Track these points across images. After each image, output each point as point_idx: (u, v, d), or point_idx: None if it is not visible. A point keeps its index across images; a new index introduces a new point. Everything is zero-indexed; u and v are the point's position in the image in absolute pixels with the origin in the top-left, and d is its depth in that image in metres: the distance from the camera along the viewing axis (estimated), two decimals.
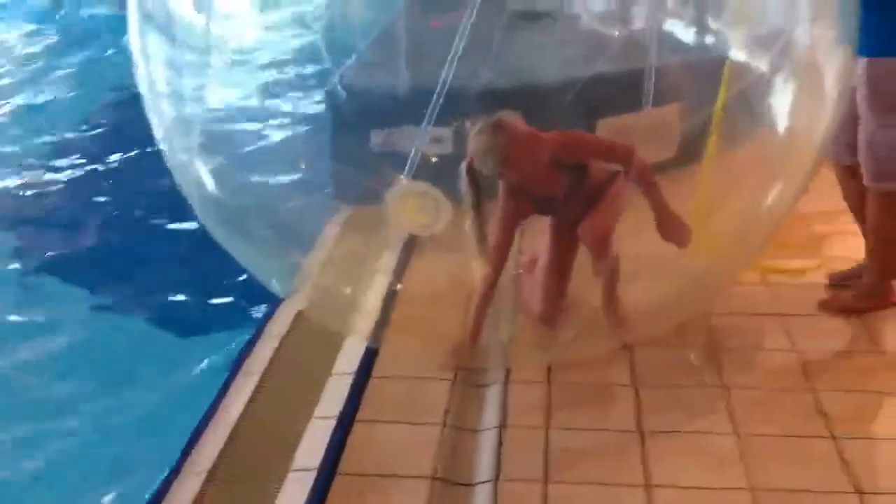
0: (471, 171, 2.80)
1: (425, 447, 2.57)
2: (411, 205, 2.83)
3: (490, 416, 2.74)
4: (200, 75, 3.20)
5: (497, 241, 2.91)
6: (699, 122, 3.12)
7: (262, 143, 3.47)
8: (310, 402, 2.81)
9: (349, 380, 2.90)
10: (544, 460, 2.53)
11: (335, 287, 3.32)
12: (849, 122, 3.05)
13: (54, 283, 4.59)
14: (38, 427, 3.41)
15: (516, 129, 2.79)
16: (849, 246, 3.60)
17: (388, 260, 3.42)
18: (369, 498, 2.42)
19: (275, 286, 3.30)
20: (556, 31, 4.14)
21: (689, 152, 3.11)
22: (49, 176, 5.98)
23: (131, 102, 3.43)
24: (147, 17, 3.02)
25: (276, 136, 3.56)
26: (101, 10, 10.00)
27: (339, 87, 3.68)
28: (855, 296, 3.27)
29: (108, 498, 3.00)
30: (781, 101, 3.00)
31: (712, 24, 3.87)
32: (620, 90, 3.34)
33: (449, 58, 2.81)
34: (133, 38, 3.01)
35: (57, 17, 10.31)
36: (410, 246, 3.47)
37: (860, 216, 3.30)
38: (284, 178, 3.38)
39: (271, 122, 3.58)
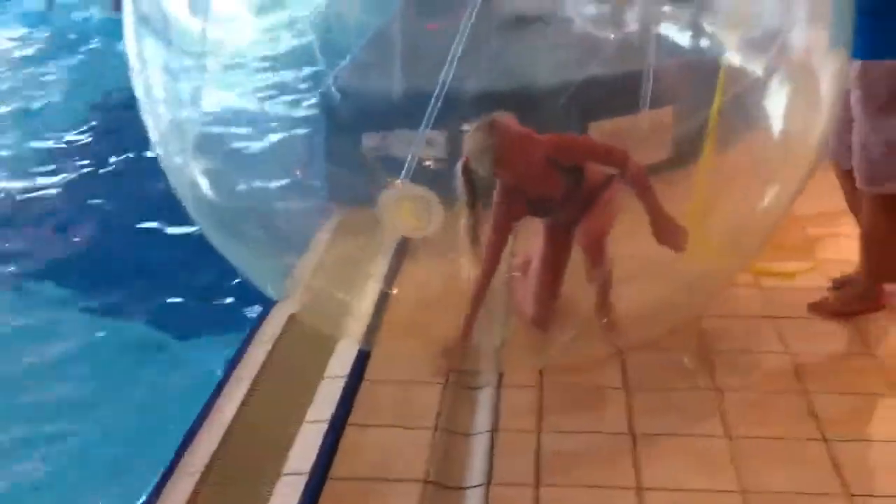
0: (466, 170, 2.81)
1: (417, 451, 2.57)
2: (404, 207, 2.83)
3: (482, 419, 2.74)
4: (196, 78, 3.20)
5: (490, 240, 2.91)
6: (691, 125, 3.13)
7: (256, 145, 3.47)
8: (302, 406, 2.81)
9: (341, 383, 2.90)
10: (536, 464, 2.53)
11: (328, 290, 3.31)
12: (848, 124, 3.06)
13: (51, 286, 4.60)
14: (38, 429, 3.42)
15: (510, 130, 2.79)
16: (842, 248, 3.61)
17: (382, 263, 3.43)
18: (361, 502, 2.41)
19: (269, 289, 3.30)
20: (548, 34, 4.15)
21: (682, 155, 3.12)
22: (45, 180, 5.97)
23: (126, 105, 3.44)
24: (142, 20, 3.02)
25: (271, 138, 3.56)
26: (94, 13, 10.00)
27: (332, 89, 3.68)
28: (847, 298, 3.28)
29: (107, 499, 3.00)
30: (777, 104, 3.00)
31: (707, 26, 3.88)
32: (613, 93, 3.35)
33: (448, 60, 2.81)
34: (128, 42, 3.01)
35: (50, 20, 10.30)
36: (403, 249, 3.47)
37: (861, 219, 3.30)
38: (278, 181, 3.38)
39: (266, 124, 3.58)
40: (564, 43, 4.06)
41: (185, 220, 3.21)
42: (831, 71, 2.83)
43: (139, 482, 2.68)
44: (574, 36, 4.12)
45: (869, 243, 3.22)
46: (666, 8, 3.73)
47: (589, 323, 2.97)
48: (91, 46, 9.05)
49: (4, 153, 6.50)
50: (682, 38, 3.92)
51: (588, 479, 2.47)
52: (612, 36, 4.10)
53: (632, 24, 4.03)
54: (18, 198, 5.73)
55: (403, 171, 2.79)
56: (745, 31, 3.15)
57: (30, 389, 3.70)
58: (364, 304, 3.21)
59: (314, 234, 3.56)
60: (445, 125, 2.90)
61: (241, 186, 3.23)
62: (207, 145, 3.15)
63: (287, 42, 3.75)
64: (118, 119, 6.52)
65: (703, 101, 3.04)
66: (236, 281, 3.69)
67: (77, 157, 6.32)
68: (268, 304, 3.46)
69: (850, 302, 3.26)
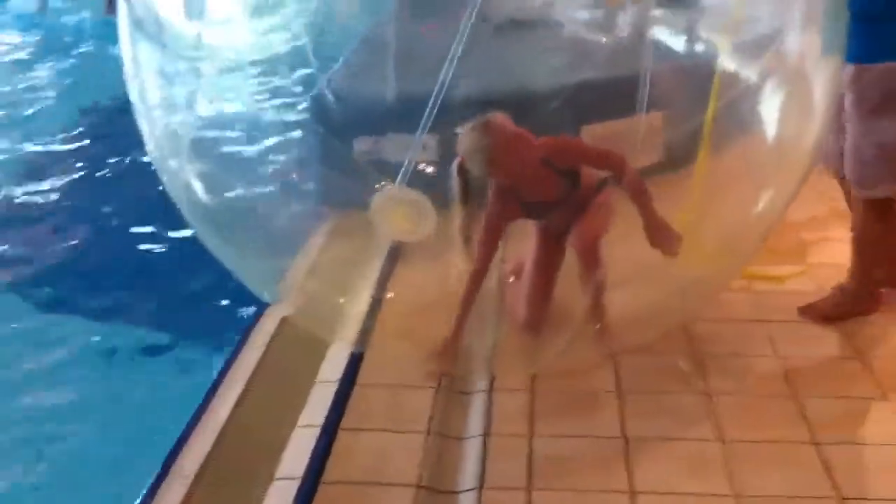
0: (461, 170, 2.81)
1: (410, 455, 2.57)
2: (397, 211, 2.84)
3: (474, 423, 2.74)
4: (190, 82, 3.20)
5: (482, 240, 2.90)
6: (682, 130, 3.14)
7: (250, 148, 3.48)
8: (294, 410, 2.80)
9: (333, 387, 2.89)
10: (528, 467, 2.53)
11: (322, 293, 3.31)
12: (842, 129, 3.08)
13: (48, 289, 4.63)
14: (35, 430, 3.44)
15: (505, 130, 2.79)
16: (833, 252, 3.62)
17: (375, 266, 3.43)
18: None
19: (263, 293, 3.30)
20: (541, 38, 4.16)
21: (674, 159, 3.13)
22: (41, 184, 5.97)
23: (119, 109, 3.44)
24: (137, 25, 3.02)
25: (265, 142, 3.57)
26: (87, 16, 9.98)
27: (325, 92, 3.69)
28: (837, 302, 3.29)
29: (106, 501, 2.99)
30: (771, 110, 3.01)
31: (701, 32, 3.90)
32: (605, 98, 3.36)
33: (448, 62, 2.81)
34: (123, 46, 3.01)
35: (42, 23, 10.27)
36: (396, 252, 3.48)
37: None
38: (272, 185, 3.39)
39: (260, 128, 3.59)
40: (556, 47, 4.07)
41: (181, 222, 3.21)
42: (825, 76, 2.84)
43: (138, 484, 2.68)
44: (566, 40, 4.14)
45: (860, 246, 3.23)
46: (658, 12, 3.75)
47: (581, 328, 2.98)
48: (83, 50, 9.04)
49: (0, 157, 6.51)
50: (676, 43, 3.94)
51: (580, 482, 2.47)
52: (604, 40, 4.12)
53: (624, 28, 4.04)
54: (16, 201, 5.75)
55: (400, 176, 2.79)
56: (739, 36, 3.16)
57: (27, 391, 3.72)
58: (357, 308, 3.21)
59: (307, 238, 3.57)
60: (437, 129, 2.90)
61: (235, 190, 3.23)
62: (202, 149, 3.15)
63: (280, 45, 3.75)
64: (111, 122, 6.54)
65: (695, 105, 3.06)
66: (234, 283, 3.70)
67: (72, 161, 6.33)
68: (261, 308, 3.46)
69: (841, 305, 3.27)
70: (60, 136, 6.87)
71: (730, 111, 2.99)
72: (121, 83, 3.08)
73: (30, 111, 7.48)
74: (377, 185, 2.87)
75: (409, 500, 2.40)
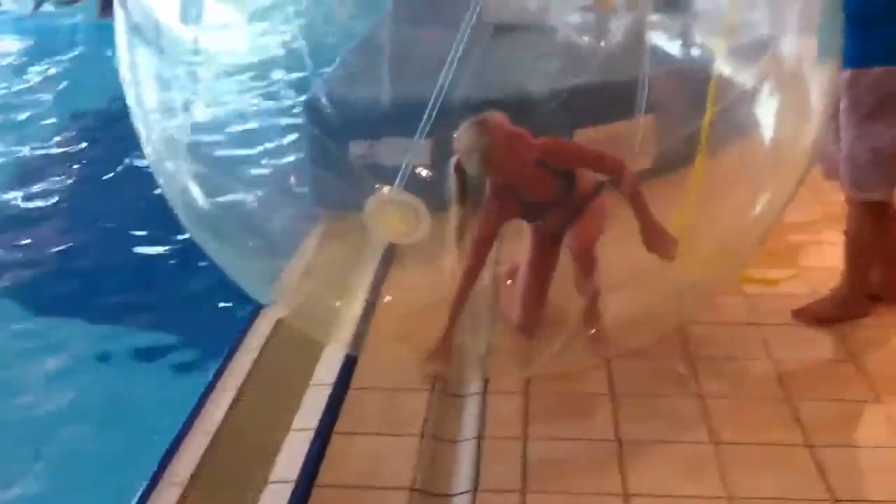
0: (459, 169, 2.81)
1: (404, 458, 2.57)
2: (392, 214, 2.84)
3: (469, 426, 2.74)
4: (187, 87, 3.21)
5: (477, 238, 2.90)
6: (677, 133, 3.14)
7: (246, 151, 3.48)
8: (288, 413, 2.80)
9: (328, 391, 2.89)
10: (523, 470, 2.53)
11: (316, 295, 3.31)
12: (838, 133, 3.08)
13: (46, 292, 4.62)
14: (33, 433, 3.42)
15: (501, 129, 2.79)
16: (825, 256, 3.64)
17: (370, 268, 3.43)
18: None
19: (258, 294, 3.30)
20: (534, 43, 4.17)
21: (669, 163, 3.14)
22: (38, 187, 5.95)
23: (115, 111, 3.44)
24: (134, 30, 3.02)
25: (260, 144, 3.57)
26: (80, 19, 9.97)
27: (320, 95, 3.69)
28: (830, 305, 3.29)
29: (105, 501, 2.98)
30: (767, 114, 3.02)
31: (696, 36, 3.91)
32: (599, 102, 3.37)
33: (447, 64, 2.81)
34: (120, 51, 3.01)
35: (35, 26, 10.26)
36: (391, 254, 3.48)
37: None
38: (268, 187, 3.39)
39: (255, 131, 3.59)
40: (549, 52, 4.08)
41: (177, 225, 3.22)
42: (822, 80, 2.85)
43: (137, 485, 2.67)
44: (559, 44, 4.15)
45: (853, 249, 3.25)
46: (655, 17, 3.76)
47: (576, 332, 2.98)
48: (77, 53, 9.03)
49: None
50: (671, 47, 3.95)
51: (575, 485, 2.47)
52: (596, 44, 4.13)
53: (616, 33, 4.05)
54: (13, 204, 5.74)
55: (397, 179, 2.79)
56: (735, 40, 3.17)
57: (26, 393, 3.71)
58: (352, 309, 3.21)
59: (301, 241, 3.57)
60: (432, 132, 2.90)
61: (231, 192, 3.23)
62: (198, 152, 3.15)
63: (276, 48, 3.76)
64: (107, 125, 6.54)
65: (690, 108, 3.07)
66: (233, 285, 3.71)
67: (68, 164, 6.33)
68: (254, 312, 3.46)
69: (834, 308, 3.28)
70: (56, 139, 6.86)
71: (726, 115, 3.00)
72: (115, 86, 3.08)
73: (25, 115, 7.47)
74: (372, 189, 2.88)
75: None
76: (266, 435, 2.70)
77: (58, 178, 6.08)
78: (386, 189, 2.84)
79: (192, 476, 2.55)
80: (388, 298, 3.35)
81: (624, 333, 3.03)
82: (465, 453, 2.62)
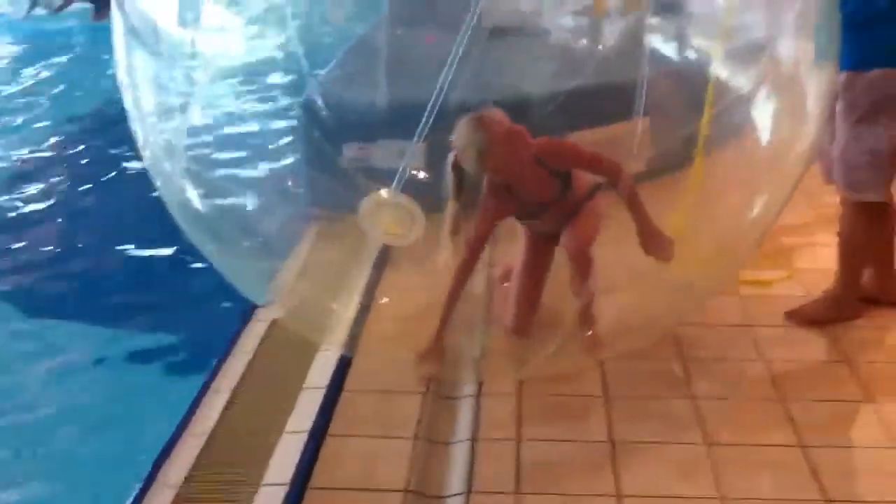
0: (456, 166, 2.81)
1: (398, 460, 2.57)
2: (387, 216, 2.84)
3: (462, 428, 2.74)
4: (184, 89, 3.21)
5: (472, 236, 2.90)
6: (674, 136, 3.15)
7: (242, 154, 3.49)
8: (282, 416, 2.80)
9: (321, 393, 2.89)
10: (516, 472, 2.53)
11: (311, 296, 3.32)
12: (833, 135, 3.09)
13: (44, 294, 4.62)
14: (31, 435, 3.42)
15: (498, 126, 2.78)
16: (818, 257, 3.64)
17: (364, 270, 3.43)
18: None
19: (253, 295, 3.30)
20: (530, 46, 4.18)
21: (666, 164, 3.15)
22: (35, 190, 5.95)
23: (111, 113, 3.44)
24: (132, 32, 3.03)
25: (256, 146, 3.58)
26: (74, 22, 9.97)
27: (315, 97, 3.69)
28: (823, 306, 3.30)
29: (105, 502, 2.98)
30: (764, 116, 3.03)
31: (693, 39, 3.92)
32: (596, 104, 3.38)
33: (447, 67, 2.81)
34: (118, 54, 3.01)
35: (29, 29, 10.26)
36: (385, 256, 3.48)
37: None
38: (264, 189, 3.39)
39: (252, 133, 3.60)
40: (546, 55, 4.09)
41: (175, 227, 3.22)
42: (819, 83, 2.86)
43: (134, 486, 2.68)
44: (555, 48, 4.16)
45: (846, 250, 3.25)
46: (653, 20, 3.77)
47: (570, 334, 2.98)
48: (72, 56, 9.03)
49: None
50: (667, 50, 3.96)
51: (568, 487, 2.47)
52: (591, 47, 4.14)
53: (610, 36, 4.06)
54: (10, 206, 5.73)
55: (395, 182, 2.79)
56: (731, 43, 3.18)
57: (23, 394, 3.71)
58: (347, 311, 3.21)
59: (298, 242, 3.57)
60: (427, 135, 2.91)
61: (227, 194, 3.23)
62: (195, 154, 3.15)
63: (272, 50, 3.77)
64: (103, 127, 6.53)
65: (686, 111, 3.08)
66: (230, 288, 3.71)
67: (65, 166, 6.34)
68: (248, 314, 3.46)
69: (827, 310, 3.29)
70: (53, 141, 6.86)
71: (723, 117, 3.00)
72: (111, 89, 3.08)
73: (21, 118, 7.47)
74: (367, 191, 2.88)
75: None
76: (260, 437, 2.70)
77: (54, 181, 6.09)
78: (381, 191, 2.84)
79: (185, 478, 2.54)
80: (383, 300, 3.35)
81: (620, 335, 3.03)
82: (459, 455, 2.63)
